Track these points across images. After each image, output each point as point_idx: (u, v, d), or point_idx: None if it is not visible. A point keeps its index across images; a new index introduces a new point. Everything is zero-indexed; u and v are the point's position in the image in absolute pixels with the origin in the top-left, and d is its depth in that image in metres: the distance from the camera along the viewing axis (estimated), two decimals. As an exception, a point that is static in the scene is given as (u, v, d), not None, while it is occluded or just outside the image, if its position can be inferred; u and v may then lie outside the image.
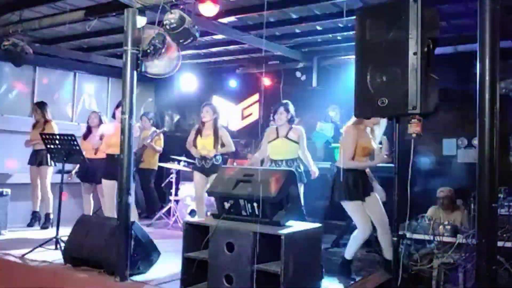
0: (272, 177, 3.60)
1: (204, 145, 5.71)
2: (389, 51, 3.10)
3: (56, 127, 6.59)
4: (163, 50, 4.31)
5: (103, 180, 5.69)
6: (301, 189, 5.09)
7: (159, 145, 7.28)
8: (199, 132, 5.83)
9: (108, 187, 5.61)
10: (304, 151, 5.25)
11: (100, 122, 6.35)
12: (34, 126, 6.69)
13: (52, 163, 6.33)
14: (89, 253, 4.25)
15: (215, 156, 5.68)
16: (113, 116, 5.92)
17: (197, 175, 5.79)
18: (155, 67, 4.41)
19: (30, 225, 6.62)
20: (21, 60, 5.85)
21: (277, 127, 5.26)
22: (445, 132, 6.58)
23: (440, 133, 6.58)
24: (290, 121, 5.21)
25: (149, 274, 4.21)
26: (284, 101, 5.29)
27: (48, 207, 6.61)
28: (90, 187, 6.34)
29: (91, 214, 6.20)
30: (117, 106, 5.66)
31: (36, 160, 6.55)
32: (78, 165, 6.44)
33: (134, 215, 5.56)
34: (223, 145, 5.79)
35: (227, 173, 3.90)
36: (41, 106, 6.73)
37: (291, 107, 5.24)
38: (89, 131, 6.45)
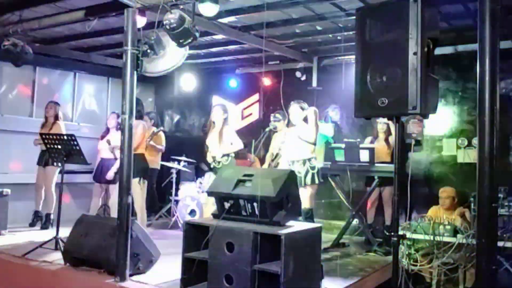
0: (272, 177, 3.60)
1: (213, 145, 5.68)
2: (389, 51, 3.11)
3: (63, 127, 6.61)
4: (161, 47, 4.31)
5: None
6: (315, 189, 5.06)
7: (160, 143, 7.26)
8: (208, 132, 5.82)
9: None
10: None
11: (118, 123, 6.27)
12: (42, 126, 6.69)
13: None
14: (89, 253, 4.25)
15: (222, 156, 5.64)
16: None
17: (208, 176, 5.76)
18: (155, 65, 4.41)
19: (32, 224, 6.61)
20: (21, 60, 5.84)
21: (291, 127, 5.19)
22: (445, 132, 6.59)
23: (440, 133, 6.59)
24: (305, 120, 5.12)
25: (149, 274, 4.21)
26: (298, 101, 5.22)
27: (49, 207, 6.59)
28: (101, 188, 6.32)
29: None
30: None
31: (43, 160, 6.55)
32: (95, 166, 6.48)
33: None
34: (231, 143, 5.73)
35: (227, 173, 3.90)
36: (57, 105, 6.77)
37: (305, 106, 5.17)
38: (107, 131, 6.40)
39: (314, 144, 5.09)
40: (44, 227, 6.51)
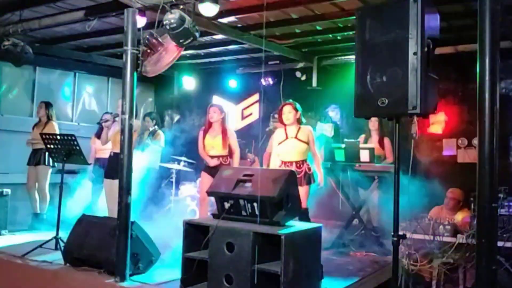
0: (272, 177, 3.60)
1: (213, 146, 5.62)
2: (389, 51, 3.11)
3: (57, 127, 6.53)
4: (160, 48, 4.32)
5: (104, 180, 5.71)
6: (311, 189, 5.05)
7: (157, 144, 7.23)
8: (206, 132, 5.68)
9: (106, 186, 5.61)
10: (313, 154, 5.12)
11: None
12: (35, 126, 6.62)
13: (51, 163, 6.29)
14: (89, 253, 4.25)
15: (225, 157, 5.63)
16: None
17: (204, 176, 5.67)
18: (153, 64, 4.41)
19: (31, 228, 6.34)
20: (21, 60, 5.85)
21: (286, 127, 5.16)
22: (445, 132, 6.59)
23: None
24: (299, 120, 5.12)
25: (149, 274, 4.21)
26: (291, 100, 5.20)
27: (43, 207, 6.45)
28: None
29: None
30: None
31: (34, 159, 6.46)
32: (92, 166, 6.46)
33: None
34: (229, 147, 5.68)
35: (227, 173, 3.90)
36: (48, 105, 6.67)
37: (299, 106, 5.15)
38: (101, 131, 6.36)
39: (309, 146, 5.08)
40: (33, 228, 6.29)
